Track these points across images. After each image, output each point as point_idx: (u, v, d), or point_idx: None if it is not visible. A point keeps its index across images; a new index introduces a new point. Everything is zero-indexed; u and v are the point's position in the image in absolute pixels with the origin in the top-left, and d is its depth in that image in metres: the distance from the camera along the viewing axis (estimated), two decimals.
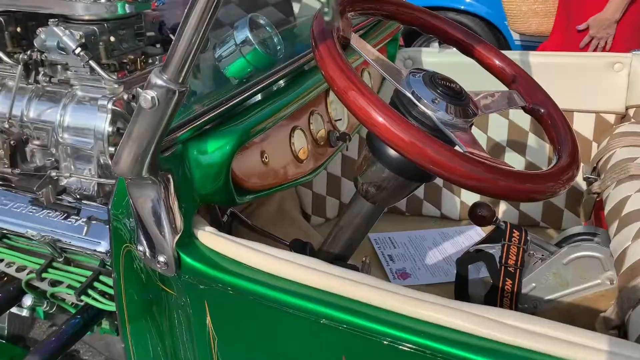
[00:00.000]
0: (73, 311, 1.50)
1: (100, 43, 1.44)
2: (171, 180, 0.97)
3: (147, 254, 1.01)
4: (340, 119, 1.47)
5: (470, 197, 2.03)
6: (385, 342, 0.76)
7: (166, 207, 0.95)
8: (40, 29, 1.44)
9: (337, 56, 0.91)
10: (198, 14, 0.81)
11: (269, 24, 1.45)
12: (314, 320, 0.81)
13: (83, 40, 1.41)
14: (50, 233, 1.43)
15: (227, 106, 1.13)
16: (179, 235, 0.96)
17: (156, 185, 0.96)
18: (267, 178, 1.16)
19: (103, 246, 1.39)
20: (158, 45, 1.63)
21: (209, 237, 0.98)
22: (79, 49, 1.39)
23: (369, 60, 1.06)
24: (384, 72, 1.05)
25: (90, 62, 1.41)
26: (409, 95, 1.03)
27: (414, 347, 0.74)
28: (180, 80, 0.88)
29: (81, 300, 1.40)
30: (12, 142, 1.48)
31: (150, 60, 1.57)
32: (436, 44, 4.55)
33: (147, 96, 0.89)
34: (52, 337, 1.35)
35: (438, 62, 1.97)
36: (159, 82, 0.88)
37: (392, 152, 1.05)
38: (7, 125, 1.51)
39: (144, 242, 1.01)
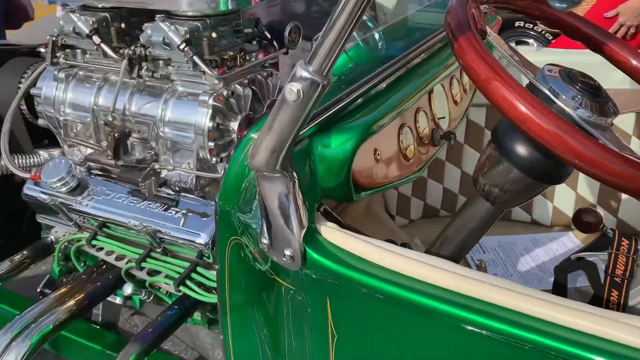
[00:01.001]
0: (169, 301, 1.53)
1: (204, 39, 1.46)
2: (296, 174, 0.97)
3: (273, 247, 1.01)
4: (443, 117, 1.43)
5: (563, 203, 1.95)
6: (529, 348, 0.72)
7: (294, 201, 0.94)
8: (146, 24, 1.48)
9: (479, 47, 0.88)
10: (348, 11, 0.81)
11: (371, 19, 1.43)
12: (454, 324, 0.78)
13: (187, 36, 1.43)
14: (151, 224, 1.46)
15: (346, 101, 1.13)
16: (304, 230, 0.96)
17: (285, 179, 0.96)
18: (378, 175, 1.15)
19: (202, 238, 1.41)
20: (254, 42, 1.65)
21: (332, 232, 0.97)
22: (183, 45, 1.42)
23: (504, 54, 1.02)
24: (520, 67, 1.01)
25: (194, 57, 1.43)
26: (546, 91, 0.98)
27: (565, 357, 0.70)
28: (324, 74, 0.88)
29: (179, 291, 1.42)
30: (116, 135, 1.53)
31: (247, 57, 1.59)
32: (531, 41, 4.40)
33: (293, 89, 0.89)
34: (150, 327, 1.38)
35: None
36: (305, 74, 0.88)
37: (522, 151, 1.00)
38: (110, 119, 1.56)
39: (269, 236, 1.01)
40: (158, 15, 1.45)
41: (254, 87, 1.61)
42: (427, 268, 0.82)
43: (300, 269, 0.95)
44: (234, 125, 1.53)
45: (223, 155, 1.54)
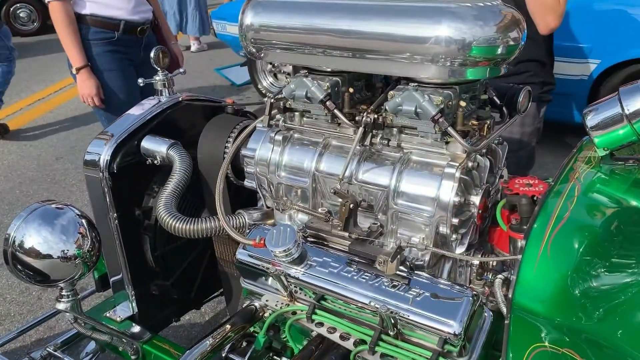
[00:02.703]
0: None
1: (460, 109, 1.37)
2: None
3: None
4: None
5: None
6: None
7: None
8: (393, 92, 1.41)
9: None
10: None
11: None
12: None
13: (442, 106, 1.34)
14: (388, 304, 1.35)
15: None
16: None
17: None
18: None
19: (454, 327, 1.28)
20: (487, 109, 1.54)
21: None
22: (439, 115, 1.33)
23: None
24: None
25: (449, 128, 1.34)
26: None
27: None
28: None
29: None
30: (351, 206, 1.45)
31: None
32: None
33: None
34: None
35: None
36: None
37: None
38: (339, 186, 1.49)
39: None
40: (412, 84, 1.38)
41: (490, 157, 1.50)
42: None
43: None
44: (476, 199, 1.42)
45: (462, 231, 1.43)
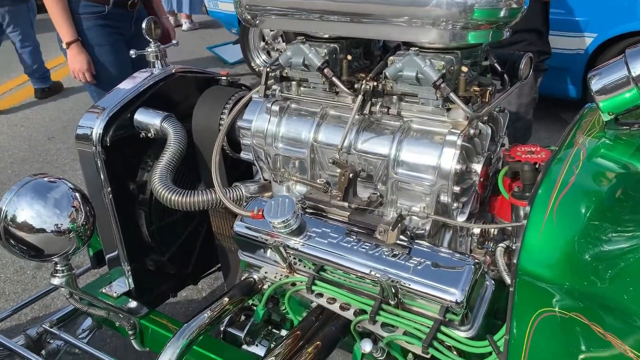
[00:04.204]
0: (380, 357, 1.39)
1: (462, 74, 1.33)
2: None
3: None
4: None
5: None
6: None
7: None
8: (393, 58, 1.37)
9: None
10: None
11: None
12: None
13: (444, 71, 1.31)
14: (389, 273, 1.33)
15: None
16: None
17: None
18: None
19: (456, 295, 1.26)
20: (488, 76, 1.51)
21: None
22: (440, 80, 1.30)
23: None
24: None
25: (451, 94, 1.30)
26: None
27: None
28: None
29: (427, 353, 1.28)
30: (350, 175, 1.42)
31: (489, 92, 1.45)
32: None
33: None
34: None
35: None
36: None
37: None
38: (337, 156, 1.46)
39: None
40: (413, 49, 1.34)
41: (491, 125, 1.47)
42: None
43: None
44: (478, 167, 1.39)
45: (463, 200, 1.41)
